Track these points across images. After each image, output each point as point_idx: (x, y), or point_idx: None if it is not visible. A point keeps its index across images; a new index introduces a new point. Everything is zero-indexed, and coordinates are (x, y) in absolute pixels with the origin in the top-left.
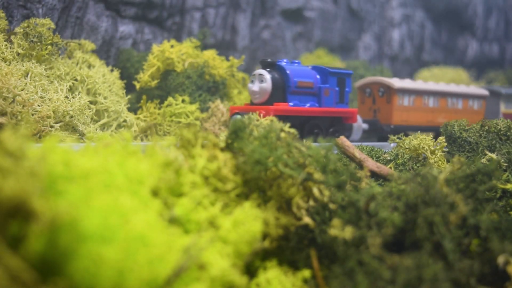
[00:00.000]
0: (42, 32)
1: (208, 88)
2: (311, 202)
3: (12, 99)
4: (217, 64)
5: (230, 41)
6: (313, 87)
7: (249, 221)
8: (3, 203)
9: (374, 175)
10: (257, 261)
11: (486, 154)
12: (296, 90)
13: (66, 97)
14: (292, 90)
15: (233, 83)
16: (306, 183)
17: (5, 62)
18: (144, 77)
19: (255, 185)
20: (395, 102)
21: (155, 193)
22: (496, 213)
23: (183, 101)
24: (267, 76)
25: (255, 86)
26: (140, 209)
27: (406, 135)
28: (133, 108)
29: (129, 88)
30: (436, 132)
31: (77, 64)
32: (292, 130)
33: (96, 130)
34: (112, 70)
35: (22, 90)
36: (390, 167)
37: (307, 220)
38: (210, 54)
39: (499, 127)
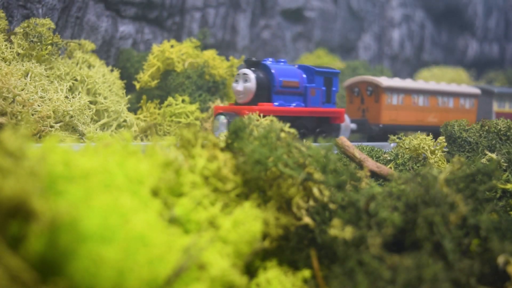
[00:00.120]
0: (42, 32)
1: (208, 88)
2: (311, 202)
3: (12, 99)
4: (217, 64)
5: (230, 41)
6: (299, 87)
7: (249, 221)
8: (3, 203)
9: (374, 175)
10: (257, 261)
11: (486, 154)
12: (281, 89)
13: (66, 97)
14: (277, 90)
15: None
16: (306, 183)
17: (5, 62)
18: (144, 77)
19: (255, 185)
20: (384, 101)
21: (155, 193)
22: (496, 213)
23: (183, 101)
24: (252, 75)
25: (239, 86)
26: (140, 209)
27: (395, 135)
28: (133, 108)
29: (129, 88)
30: (428, 132)
31: (77, 64)
32: (292, 130)
33: (96, 130)
34: (112, 70)
35: (22, 90)
36: (390, 167)
37: (307, 220)
38: (210, 54)
39: (499, 127)
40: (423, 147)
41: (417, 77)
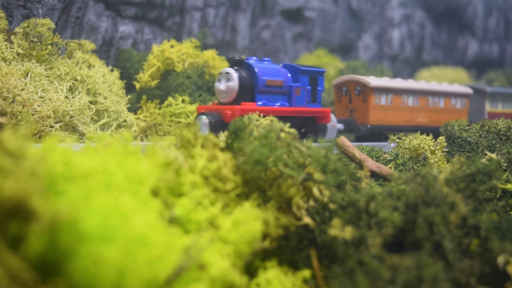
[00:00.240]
0: (42, 32)
1: (208, 88)
2: (311, 202)
3: (12, 99)
4: (217, 64)
5: (230, 41)
6: (283, 86)
7: (249, 221)
8: (3, 203)
9: (374, 175)
10: (257, 261)
11: (486, 154)
12: (264, 89)
13: (66, 97)
14: (261, 89)
15: None
16: (306, 183)
17: (5, 62)
18: (144, 77)
19: (255, 185)
20: (372, 101)
21: (155, 193)
22: (496, 213)
23: (183, 101)
24: (234, 74)
25: (222, 85)
26: (140, 209)
27: (384, 135)
28: (133, 108)
29: (129, 88)
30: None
31: (77, 64)
32: (292, 130)
33: (96, 130)
34: (112, 70)
35: (22, 90)
36: (390, 167)
37: (307, 220)
38: (210, 54)
39: (499, 127)
40: (423, 147)
41: (417, 77)
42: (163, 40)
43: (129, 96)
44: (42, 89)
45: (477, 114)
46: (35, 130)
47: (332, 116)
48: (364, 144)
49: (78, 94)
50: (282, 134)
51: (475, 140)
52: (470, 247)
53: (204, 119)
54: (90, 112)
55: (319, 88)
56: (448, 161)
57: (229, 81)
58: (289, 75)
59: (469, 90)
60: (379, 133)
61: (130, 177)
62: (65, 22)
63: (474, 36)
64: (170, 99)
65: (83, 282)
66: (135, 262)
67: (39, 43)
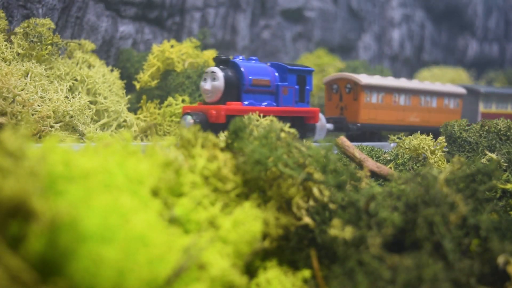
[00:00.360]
0: (42, 32)
1: None
2: (311, 202)
3: (12, 99)
4: None
5: (230, 41)
6: (270, 85)
7: (249, 221)
8: (3, 203)
9: (374, 175)
10: (257, 261)
11: (486, 154)
12: (251, 88)
13: (66, 97)
14: (247, 89)
15: None
16: (306, 183)
17: (5, 62)
18: (144, 77)
19: (255, 185)
20: (362, 99)
21: (155, 193)
22: (496, 213)
23: (183, 101)
24: (220, 74)
25: (207, 85)
26: (140, 209)
27: (374, 134)
28: (133, 108)
29: (129, 88)
30: (412, 133)
31: (77, 64)
32: (292, 130)
33: (96, 130)
34: (112, 70)
35: (22, 90)
36: (390, 167)
37: (307, 220)
38: (210, 54)
39: (499, 127)
40: (423, 147)
41: (417, 77)
42: (163, 40)
43: (129, 96)
44: (42, 89)
45: (471, 115)
46: (35, 130)
47: (321, 116)
48: (364, 144)
49: (78, 94)
50: (282, 134)
51: (475, 140)
52: (470, 247)
53: (189, 119)
54: (90, 112)
55: (308, 87)
56: (448, 161)
57: (214, 80)
58: (276, 74)
59: (462, 90)
60: (370, 132)
61: (130, 177)
62: (65, 22)
63: (474, 36)
64: (170, 99)
65: (83, 282)
66: (135, 262)
67: (39, 43)
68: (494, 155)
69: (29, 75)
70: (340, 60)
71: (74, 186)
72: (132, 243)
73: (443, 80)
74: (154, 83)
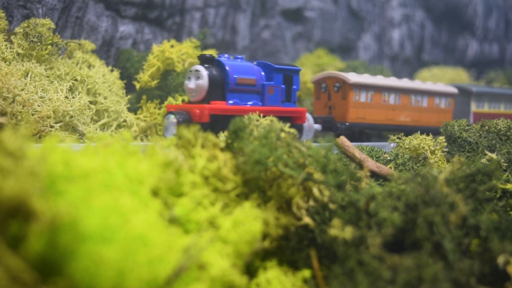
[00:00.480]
0: (42, 32)
1: None
2: (311, 202)
3: (12, 99)
4: None
5: (230, 41)
6: (255, 85)
7: (249, 221)
8: (3, 203)
9: (374, 175)
10: (257, 261)
11: (486, 154)
12: (236, 87)
13: (66, 97)
14: (232, 88)
15: None
16: (306, 183)
17: (5, 62)
18: (144, 77)
19: (255, 185)
20: (351, 98)
21: (155, 193)
22: (496, 213)
23: (183, 101)
24: (204, 72)
25: (191, 83)
26: (140, 209)
27: (363, 133)
28: (133, 108)
29: (129, 88)
30: (399, 132)
31: (77, 64)
32: (292, 130)
33: (96, 130)
34: (112, 70)
35: (22, 90)
36: (390, 167)
37: (307, 220)
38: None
39: (499, 127)
40: (423, 147)
41: (417, 77)
42: (163, 40)
43: (129, 96)
44: (42, 89)
45: (462, 114)
46: (35, 130)
47: (309, 116)
48: (364, 144)
49: (78, 94)
50: (282, 134)
51: (475, 140)
52: (470, 247)
53: (172, 118)
54: (90, 112)
55: (294, 87)
56: (448, 161)
57: (198, 79)
58: (262, 73)
59: (454, 90)
60: (359, 132)
61: (130, 177)
62: (65, 22)
63: (474, 36)
64: (170, 99)
65: (83, 282)
66: (135, 262)
67: (39, 43)
68: (494, 155)
69: (29, 75)
70: (340, 60)
71: (74, 186)
72: (132, 243)
73: (443, 80)
74: (154, 83)
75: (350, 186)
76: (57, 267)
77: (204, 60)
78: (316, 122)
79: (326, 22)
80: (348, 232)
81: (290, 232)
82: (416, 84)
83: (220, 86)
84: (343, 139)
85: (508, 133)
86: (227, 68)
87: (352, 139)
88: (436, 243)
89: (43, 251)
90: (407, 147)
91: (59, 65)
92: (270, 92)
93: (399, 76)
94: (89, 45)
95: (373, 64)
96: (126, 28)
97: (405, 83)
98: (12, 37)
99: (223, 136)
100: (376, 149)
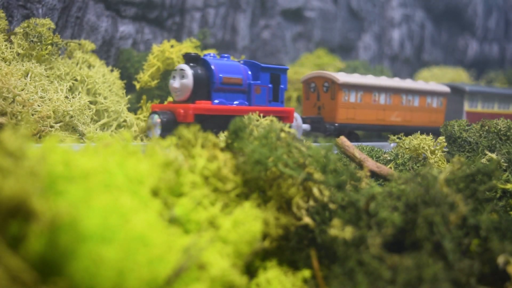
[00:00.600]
0: (42, 32)
1: None
2: (311, 202)
3: (12, 99)
4: None
5: (230, 41)
6: (242, 84)
7: (249, 221)
8: (3, 203)
9: (374, 175)
10: (257, 261)
11: (486, 154)
12: (221, 86)
13: (66, 97)
14: (217, 87)
15: None
16: (306, 183)
17: (5, 62)
18: (144, 77)
19: (255, 185)
20: (340, 98)
21: (155, 193)
22: (496, 213)
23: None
24: (189, 71)
25: (176, 83)
26: (140, 209)
27: (353, 134)
28: (133, 108)
29: (129, 88)
30: (393, 132)
31: (77, 64)
32: (292, 131)
33: (96, 130)
34: (112, 70)
35: (22, 90)
36: (390, 167)
37: (307, 220)
38: None
39: (499, 127)
40: (423, 147)
41: (417, 77)
42: (163, 40)
43: (129, 96)
44: (42, 89)
45: (455, 114)
46: (35, 130)
47: (297, 116)
48: (364, 144)
49: (78, 94)
50: (282, 134)
51: (475, 140)
52: (470, 247)
53: (156, 118)
54: (90, 112)
55: (282, 86)
56: (448, 161)
57: (183, 78)
58: (249, 72)
59: (446, 89)
60: (349, 133)
61: (130, 177)
62: (65, 22)
63: (474, 36)
64: (170, 99)
65: (83, 282)
66: (135, 262)
67: (39, 43)
68: (494, 155)
69: (29, 75)
70: (340, 60)
71: (74, 186)
72: (132, 243)
73: (443, 81)
74: (154, 83)
75: (350, 186)
76: (57, 267)
77: (189, 59)
78: (305, 122)
79: (326, 22)
80: (348, 232)
81: (290, 232)
82: (407, 83)
83: (205, 86)
84: (343, 139)
85: (508, 133)
86: (212, 67)
87: None
88: (436, 243)
89: (43, 251)
90: (407, 147)
91: (59, 65)
92: (256, 91)
93: (399, 76)
94: (89, 45)
95: (373, 64)
96: (126, 28)
97: (395, 82)
98: (12, 37)
99: (223, 136)
100: (376, 149)
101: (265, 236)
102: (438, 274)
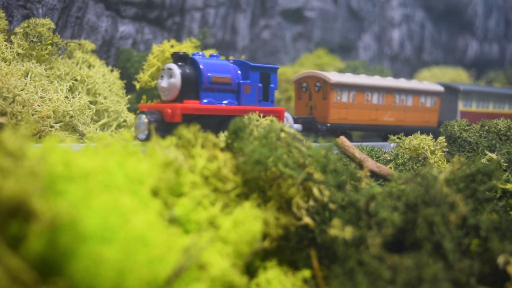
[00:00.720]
0: (42, 32)
1: None
2: (311, 202)
3: (12, 99)
4: None
5: (230, 41)
6: (231, 83)
7: (249, 221)
8: (3, 203)
9: (374, 175)
10: (257, 261)
11: (486, 154)
12: (210, 86)
13: (66, 97)
14: (206, 86)
15: None
16: (306, 183)
17: (5, 62)
18: (144, 77)
19: (255, 185)
20: (332, 98)
21: (155, 193)
22: (496, 213)
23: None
24: (177, 71)
25: (164, 82)
26: (140, 209)
27: (344, 134)
28: (133, 108)
29: (129, 88)
30: (386, 132)
31: (77, 64)
32: (292, 131)
33: (96, 130)
34: (112, 70)
35: (22, 90)
36: (390, 167)
37: (307, 220)
38: (210, 54)
39: (499, 127)
40: (423, 147)
41: (417, 77)
42: (163, 40)
43: (129, 96)
44: (42, 89)
45: (449, 114)
46: (35, 130)
47: (288, 116)
48: (364, 144)
49: (78, 94)
50: (282, 134)
51: (475, 140)
52: (470, 247)
53: (143, 118)
54: (90, 112)
55: (272, 85)
56: (448, 161)
57: (171, 77)
58: (239, 72)
59: (440, 88)
60: (341, 133)
61: (130, 177)
62: (65, 22)
63: (474, 36)
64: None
65: (83, 282)
66: (135, 262)
67: (39, 43)
68: (494, 155)
69: (29, 75)
70: (340, 60)
71: (74, 186)
72: (132, 243)
73: (444, 81)
74: (154, 83)
75: (350, 186)
76: (57, 267)
77: (177, 58)
78: (296, 122)
79: (326, 22)
80: (348, 232)
81: (290, 232)
82: (400, 83)
83: (193, 85)
84: (343, 139)
85: (508, 133)
86: (201, 66)
87: None
88: (436, 243)
89: (43, 251)
90: (407, 147)
91: (59, 65)
92: (246, 91)
93: (399, 76)
94: (89, 45)
95: (373, 64)
96: (126, 28)
97: (388, 82)
98: (12, 37)
99: (223, 136)
100: (376, 149)
101: (265, 236)
102: (438, 274)
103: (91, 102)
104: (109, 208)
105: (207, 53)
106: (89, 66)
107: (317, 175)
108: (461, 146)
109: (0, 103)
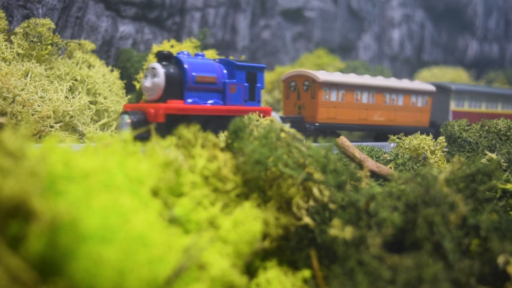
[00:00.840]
0: (42, 32)
1: None
2: (311, 202)
3: (12, 99)
4: None
5: (230, 41)
6: (216, 83)
7: (249, 221)
8: (3, 203)
9: (374, 175)
10: (257, 261)
11: (486, 154)
12: (194, 86)
13: (66, 97)
14: (190, 86)
15: None
16: (306, 183)
17: (5, 62)
18: None
19: (255, 185)
20: (320, 97)
21: (155, 193)
22: (496, 213)
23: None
24: (160, 70)
25: (147, 82)
26: (140, 209)
27: (334, 134)
28: None
29: (129, 88)
30: (376, 132)
31: (77, 64)
32: (292, 130)
33: (96, 130)
34: (112, 70)
35: (22, 90)
36: (390, 167)
37: (307, 220)
38: (210, 54)
39: (499, 127)
40: (423, 147)
41: (417, 77)
42: (163, 40)
43: (129, 96)
44: (42, 89)
45: (441, 114)
46: (35, 130)
47: (275, 116)
48: (364, 144)
49: (78, 94)
50: (282, 134)
51: (475, 140)
52: (470, 247)
53: (126, 118)
54: (90, 112)
55: (258, 85)
56: (448, 161)
57: (155, 77)
58: (224, 71)
59: (431, 88)
60: (330, 133)
61: (130, 177)
62: (65, 22)
63: (474, 36)
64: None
65: (83, 282)
66: (135, 262)
67: (39, 43)
68: (494, 155)
69: (29, 75)
70: (340, 60)
71: (74, 186)
72: (132, 243)
73: (444, 80)
74: None
75: (350, 186)
76: (57, 267)
77: (161, 57)
78: (284, 122)
79: (326, 22)
80: (348, 232)
81: (290, 232)
82: (390, 82)
83: (178, 85)
84: (343, 139)
85: (508, 133)
86: (185, 65)
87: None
88: (436, 243)
89: (43, 251)
90: (407, 147)
91: (59, 65)
92: (232, 90)
93: (399, 76)
94: (89, 45)
95: (373, 64)
96: (126, 28)
97: (379, 81)
98: (12, 37)
99: (223, 136)
100: (376, 149)
101: (265, 236)
102: (438, 274)
103: (91, 102)
104: (109, 208)
105: (208, 53)
106: (89, 66)
107: (317, 175)
108: (461, 146)
109: (0, 103)
